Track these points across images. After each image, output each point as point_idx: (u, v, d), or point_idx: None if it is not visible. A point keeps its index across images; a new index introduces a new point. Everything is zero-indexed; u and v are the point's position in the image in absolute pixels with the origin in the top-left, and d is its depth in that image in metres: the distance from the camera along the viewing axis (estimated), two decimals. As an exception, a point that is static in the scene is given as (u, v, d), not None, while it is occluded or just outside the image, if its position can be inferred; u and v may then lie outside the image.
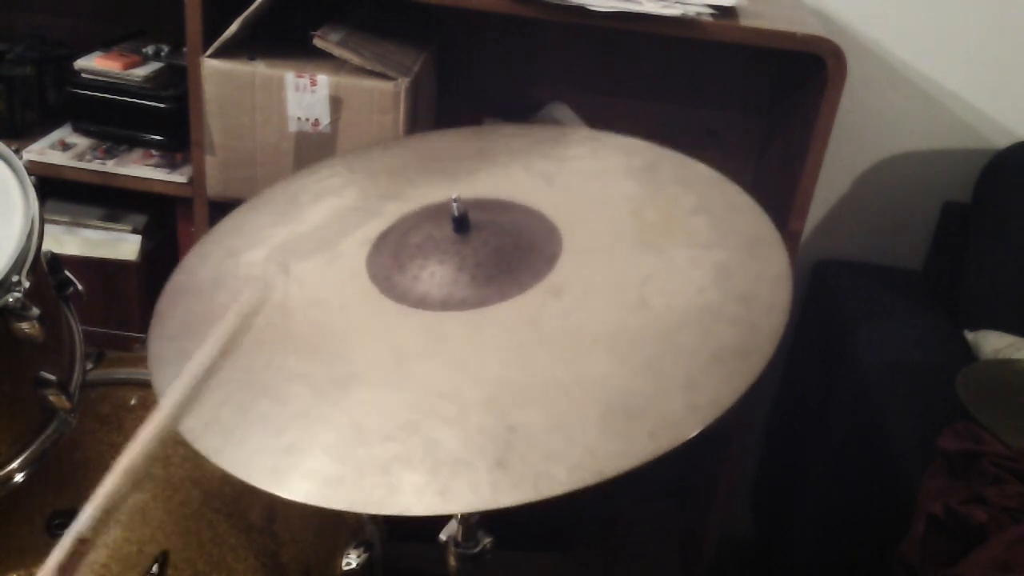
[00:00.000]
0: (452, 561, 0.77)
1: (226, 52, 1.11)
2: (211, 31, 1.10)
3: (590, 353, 0.63)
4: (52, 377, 0.76)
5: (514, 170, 0.87)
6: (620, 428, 0.58)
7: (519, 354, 0.64)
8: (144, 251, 1.29)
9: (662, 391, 0.60)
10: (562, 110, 1.38)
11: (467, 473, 0.57)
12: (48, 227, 0.80)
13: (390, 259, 0.76)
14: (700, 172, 0.83)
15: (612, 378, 0.61)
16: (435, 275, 0.72)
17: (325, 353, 0.68)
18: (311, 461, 0.60)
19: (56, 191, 1.28)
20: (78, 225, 1.29)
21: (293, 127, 1.11)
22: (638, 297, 0.67)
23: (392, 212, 0.82)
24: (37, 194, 0.76)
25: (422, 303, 0.71)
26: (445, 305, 0.70)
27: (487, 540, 0.77)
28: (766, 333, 0.63)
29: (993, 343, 1.24)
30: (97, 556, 0.77)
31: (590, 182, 0.84)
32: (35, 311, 0.70)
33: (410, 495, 0.57)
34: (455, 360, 0.65)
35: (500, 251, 0.73)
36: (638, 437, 0.57)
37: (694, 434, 0.57)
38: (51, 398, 0.76)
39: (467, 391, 0.62)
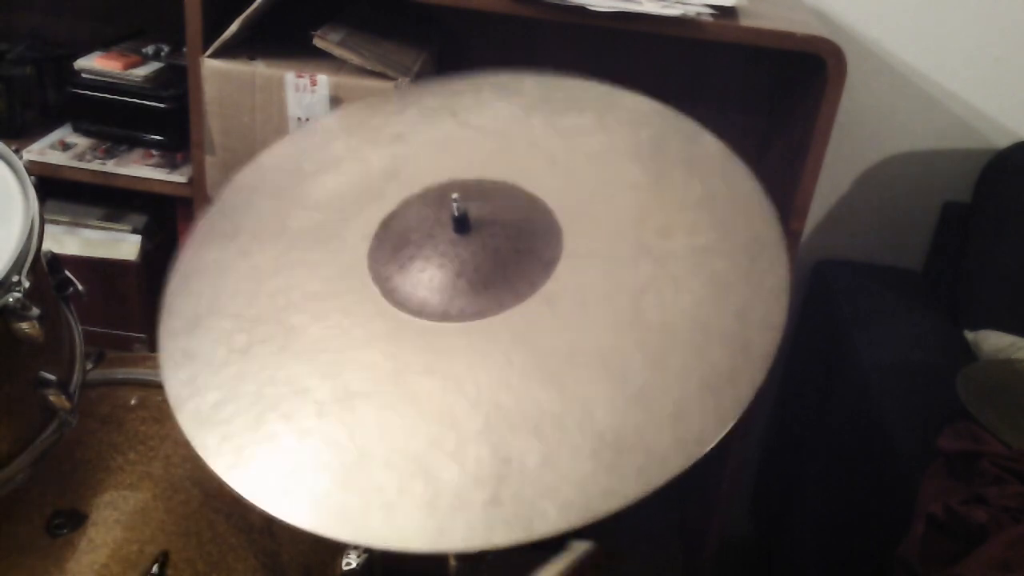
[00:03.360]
0: (452, 561, 0.77)
1: (226, 52, 1.11)
2: (211, 31, 1.10)
3: (583, 377, 0.63)
4: (52, 377, 0.76)
5: (519, 145, 0.85)
6: (610, 463, 0.58)
7: (515, 375, 0.65)
8: (144, 251, 1.29)
9: (652, 423, 0.60)
10: (562, 110, 1.38)
11: (464, 510, 0.57)
12: (48, 227, 0.80)
13: (391, 256, 0.76)
14: (708, 148, 0.82)
15: (603, 408, 0.61)
16: (434, 280, 0.72)
17: (328, 364, 0.68)
18: (316, 487, 0.60)
19: (56, 191, 1.28)
20: (78, 225, 1.29)
21: (293, 127, 1.11)
22: (633, 313, 0.67)
23: (393, 194, 0.81)
24: (37, 194, 0.76)
25: (422, 311, 0.71)
26: (444, 316, 0.70)
27: (487, 540, 0.77)
28: (758, 354, 0.63)
29: (993, 343, 1.24)
30: (97, 556, 0.77)
31: (594, 164, 0.82)
32: (35, 311, 0.70)
33: (411, 532, 0.57)
34: (453, 379, 0.65)
35: (499, 255, 0.73)
36: (627, 474, 0.57)
37: (680, 472, 0.57)
38: (51, 398, 0.76)
39: (464, 418, 0.62)
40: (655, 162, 0.82)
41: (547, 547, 1.75)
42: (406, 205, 0.80)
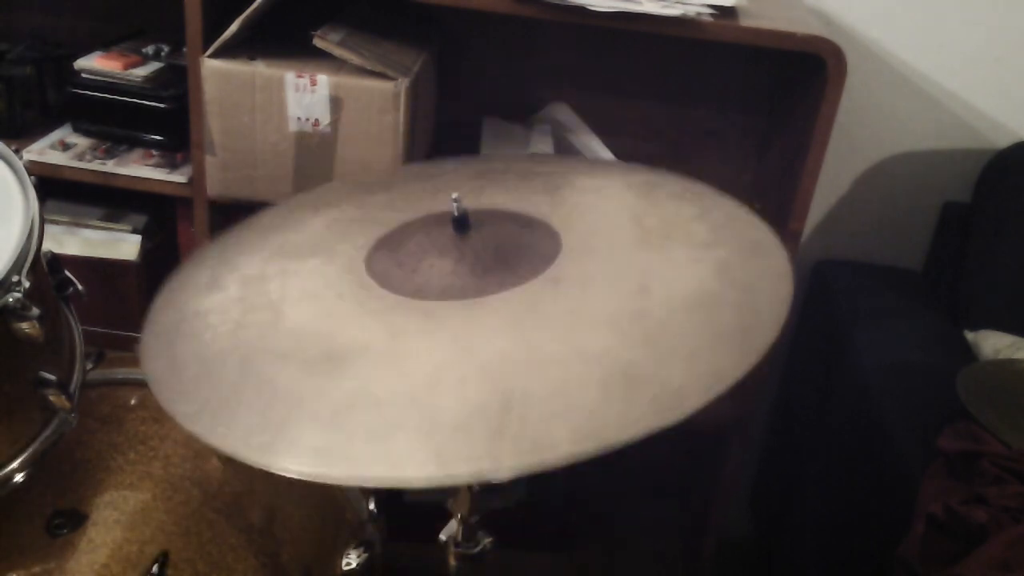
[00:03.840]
0: (452, 561, 0.77)
1: (226, 52, 1.11)
2: (211, 31, 1.10)
3: (590, 331, 0.62)
4: (52, 377, 0.76)
5: (515, 187, 0.87)
6: (622, 395, 0.56)
7: (518, 334, 0.63)
8: (144, 251, 1.29)
9: (663, 362, 0.58)
10: (562, 110, 1.38)
11: (465, 439, 0.55)
12: (48, 227, 0.81)
13: (389, 256, 0.76)
14: (699, 188, 0.83)
15: (612, 351, 0.60)
16: (434, 266, 0.72)
17: (319, 336, 0.67)
18: (304, 435, 0.58)
19: (56, 191, 1.28)
20: (78, 225, 1.29)
21: (293, 127, 1.12)
22: (638, 285, 0.67)
23: (392, 220, 0.82)
24: (37, 194, 0.76)
25: (420, 292, 0.70)
26: (444, 294, 0.69)
27: (487, 540, 0.77)
28: (769, 318, 0.62)
29: (993, 343, 1.24)
30: (97, 556, 0.77)
31: (590, 195, 0.84)
32: (35, 311, 0.70)
33: (409, 468, 0.54)
34: (453, 338, 0.64)
35: (499, 250, 0.73)
36: (641, 404, 0.55)
37: (698, 406, 0.55)
38: (51, 398, 0.76)
39: (465, 364, 0.61)
40: (648, 193, 0.82)
41: (548, 547, 1.75)
42: (406, 224, 0.81)
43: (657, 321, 0.63)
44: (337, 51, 1.09)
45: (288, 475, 0.56)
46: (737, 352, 0.59)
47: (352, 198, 0.90)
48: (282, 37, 1.15)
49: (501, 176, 0.90)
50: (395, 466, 0.55)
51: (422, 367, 0.62)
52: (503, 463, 0.53)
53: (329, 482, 0.55)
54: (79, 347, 0.85)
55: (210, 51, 1.10)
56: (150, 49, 1.30)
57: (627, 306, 0.65)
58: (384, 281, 0.73)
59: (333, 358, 0.64)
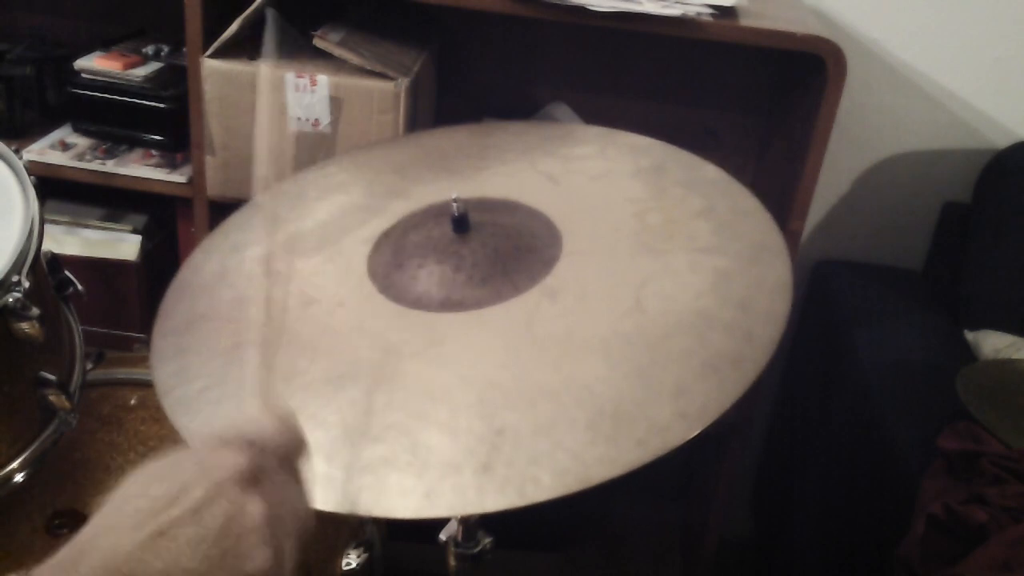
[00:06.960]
0: (452, 561, 0.77)
1: (226, 52, 1.11)
2: (211, 31, 1.10)
3: (582, 358, 0.63)
4: (52, 377, 0.76)
5: (520, 168, 0.87)
6: (608, 434, 0.58)
7: (511, 357, 0.64)
8: (144, 251, 1.29)
9: (652, 398, 0.60)
10: (562, 110, 1.38)
11: (453, 476, 0.57)
12: (48, 227, 0.80)
13: (390, 257, 0.76)
14: (708, 174, 0.83)
15: (602, 384, 0.61)
16: (433, 275, 0.72)
17: (320, 351, 0.68)
18: None
19: (56, 191, 1.28)
20: (78, 225, 1.29)
21: (293, 127, 1.12)
22: (634, 301, 0.67)
23: (396, 210, 0.83)
24: (37, 194, 0.76)
25: (419, 303, 0.71)
26: (442, 306, 0.70)
27: (487, 540, 0.77)
28: (762, 342, 0.63)
29: (993, 343, 1.24)
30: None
31: (595, 183, 0.84)
32: (35, 311, 0.70)
33: (397, 497, 0.57)
34: (447, 361, 0.65)
35: (498, 252, 0.73)
36: (626, 444, 0.57)
37: (682, 442, 0.57)
38: (51, 398, 0.76)
39: (457, 393, 0.62)
40: (655, 181, 0.83)
41: (548, 547, 1.74)
42: (408, 217, 0.81)
43: (649, 347, 0.63)
44: (337, 51, 1.09)
45: None
46: (725, 384, 0.60)
47: (359, 181, 0.90)
48: (282, 37, 1.15)
49: (506, 154, 0.90)
50: (384, 500, 0.57)
51: (416, 396, 0.62)
52: (488, 501, 0.55)
53: (320, 508, 0.57)
54: (79, 347, 0.85)
55: (210, 51, 1.10)
56: (150, 49, 1.30)
57: (621, 327, 0.65)
58: (384, 288, 0.73)
59: (332, 380, 0.65)
